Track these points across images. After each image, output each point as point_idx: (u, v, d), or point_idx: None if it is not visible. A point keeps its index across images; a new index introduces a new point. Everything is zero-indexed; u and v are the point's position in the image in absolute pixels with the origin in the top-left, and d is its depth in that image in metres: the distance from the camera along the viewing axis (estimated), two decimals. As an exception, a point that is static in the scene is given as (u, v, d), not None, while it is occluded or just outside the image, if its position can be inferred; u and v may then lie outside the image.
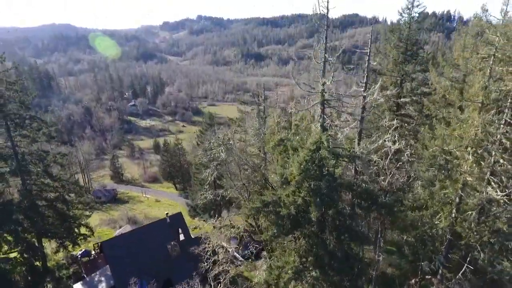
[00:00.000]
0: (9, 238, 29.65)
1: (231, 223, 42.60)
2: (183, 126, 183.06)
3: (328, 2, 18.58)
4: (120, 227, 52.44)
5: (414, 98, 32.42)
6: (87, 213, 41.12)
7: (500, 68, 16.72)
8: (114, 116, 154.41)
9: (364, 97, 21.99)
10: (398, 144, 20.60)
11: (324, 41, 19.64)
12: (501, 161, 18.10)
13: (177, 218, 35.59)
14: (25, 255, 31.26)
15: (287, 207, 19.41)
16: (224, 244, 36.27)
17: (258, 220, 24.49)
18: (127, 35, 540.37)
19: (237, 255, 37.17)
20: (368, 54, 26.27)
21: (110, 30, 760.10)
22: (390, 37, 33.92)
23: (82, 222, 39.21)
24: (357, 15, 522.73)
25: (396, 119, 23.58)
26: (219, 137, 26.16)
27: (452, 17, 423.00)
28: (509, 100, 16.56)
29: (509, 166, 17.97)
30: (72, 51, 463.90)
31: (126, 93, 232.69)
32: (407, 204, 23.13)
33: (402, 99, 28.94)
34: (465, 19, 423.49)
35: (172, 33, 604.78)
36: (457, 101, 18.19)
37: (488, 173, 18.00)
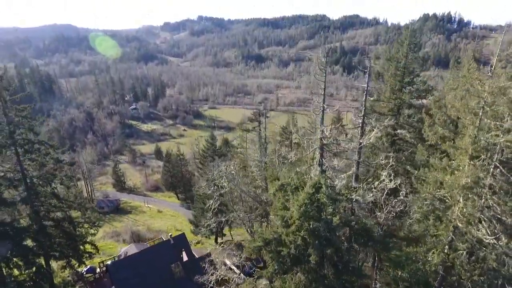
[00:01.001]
0: (20, 263, 30.69)
1: (232, 238, 43.57)
2: (184, 130, 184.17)
3: (326, 59, 19.49)
4: (124, 241, 53.58)
5: (410, 124, 33.64)
6: (93, 231, 42.14)
7: (489, 121, 17.71)
8: (116, 120, 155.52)
9: (360, 144, 22.97)
10: (394, 183, 21.61)
11: (323, 92, 20.56)
12: (491, 203, 19.13)
13: (181, 239, 36.63)
14: (34, 277, 32.32)
15: (287, 246, 20.47)
16: (227, 261, 37.40)
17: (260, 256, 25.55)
18: (128, 36, 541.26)
19: (236, 270, 38.23)
20: (365, 90, 27.22)
21: (110, 30, 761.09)
22: (387, 65, 34.86)
23: (88, 240, 40.36)
24: (357, 16, 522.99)
25: (392, 156, 24.53)
26: (221, 170, 27.13)
27: (453, 18, 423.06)
28: (497, 152, 17.55)
29: (498, 210, 19.00)
30: (73, 52, 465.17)
31: (127, 96, 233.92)
32: (402, 236, 24.15)
33: (399, 131, 29.92)
34: (465, 21, 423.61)
35: (173, 33, 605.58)
36: (448, 149, 19.17)
37: (479, 217, 19.01)
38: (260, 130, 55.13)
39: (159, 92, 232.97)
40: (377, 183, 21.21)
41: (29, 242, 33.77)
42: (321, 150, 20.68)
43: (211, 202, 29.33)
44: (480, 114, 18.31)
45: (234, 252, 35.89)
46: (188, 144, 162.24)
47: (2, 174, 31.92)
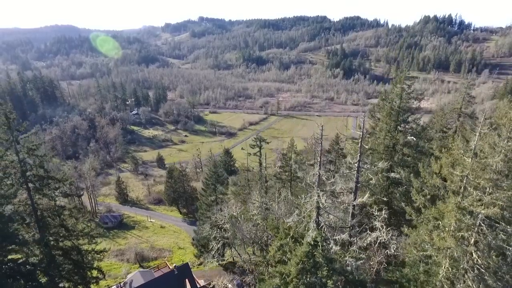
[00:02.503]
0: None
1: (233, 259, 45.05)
2: (185, 136, 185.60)
3: (322, 135, 20.88)
4: (128, 261, 55.13)
5: (405, 162, 35.08)
6: (99, 256, 43.64)
7: (472, 190, 19.15)
8: (118, 127, 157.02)
9: (354, 206, 24.36)
10: (386, 237, 23.01)
11: (319, 159, 21.94)
12: (476, 260, 20.58)
13: (184, 269, 38.13)
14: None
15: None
16: (229, 286, 38.93)
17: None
18: (129, 38, 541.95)
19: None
20: (360, 136, 28.58)
21: (112, 31, 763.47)
22: (383, 105, 36.19)
23: (95, 266, 41.92)
24: (358, 17, 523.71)
25: (385, 208, 25.92)
26: (225, 215, 28.53)
27: (454, 20, 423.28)
28: (478, 224, 19.00)
29: (483, 271, 20.46)
30: (74, 53, 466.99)
31: (129, 100, 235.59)
32: (394, 279, 25.59)
33: (392, 174, 31.31)
34: (466, 23, 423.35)
35: (174, 35, 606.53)
36: (434, 213, 20.57)
37: (462, 275, 20.46)
38: (260, 155, 56.67)
39: (160, 97, 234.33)
40: (369, 238, 22.62)
41: (39, 276, 35.35)
42: (317, 210, 22.11)
43: (213, 244, 30.73)
44: (464, 182, 19.74)
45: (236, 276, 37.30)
46: (190, 150, 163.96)
47: (14, 210, 33.51)
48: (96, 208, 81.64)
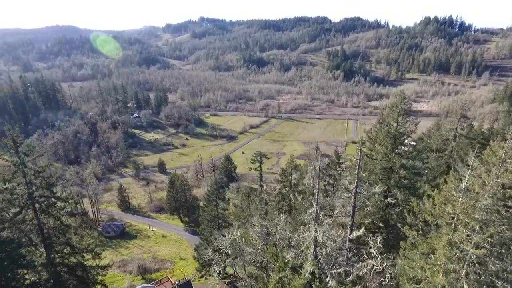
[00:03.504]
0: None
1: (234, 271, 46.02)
2: (186, 139, 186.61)
3: (319, 173, 21.75)
4: (130, 273, 56.18)
5: (401, 184, 36.01)
6: (104, 271, 44.67)
7: (462, 229, 20.06)
8: (119, 132, 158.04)
9: (350, 239, 25.28)
10: (381, 265, 23.93)
11: (316, 198, 22.83)
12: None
13: (186, 286, 39.13)
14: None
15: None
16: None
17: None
18: (130, 39, 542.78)
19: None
20: (358, 164, 29.49)
21: (112, 31, 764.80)
22: (380, 128, 37.06)
23: (99, 281, 42.99)
24: (359, 18, 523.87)
25: (381, 232, 26.82)
26: (226, 241, 29.50)
27: (454, 22, 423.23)
28: (469, 258, 19.90)
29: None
30: (75, 55, 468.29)
31: (130, 103, 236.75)
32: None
33: (388, 199, 32.22)
34: (467, 24, 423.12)
35: (175, 35, 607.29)
36: (426, 248, 21.49)
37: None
38: (261, 169, 57.58)
39: (161, 100, 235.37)
40: (365, 269, 23.54)
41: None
42: (314, 243, 23.04)
43: (215, 267, 31.80)
44: (455, 220, 20.66)
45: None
46: (191, 154, 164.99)
47: (22, 230, 34.52)
48: (99, 216, 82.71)
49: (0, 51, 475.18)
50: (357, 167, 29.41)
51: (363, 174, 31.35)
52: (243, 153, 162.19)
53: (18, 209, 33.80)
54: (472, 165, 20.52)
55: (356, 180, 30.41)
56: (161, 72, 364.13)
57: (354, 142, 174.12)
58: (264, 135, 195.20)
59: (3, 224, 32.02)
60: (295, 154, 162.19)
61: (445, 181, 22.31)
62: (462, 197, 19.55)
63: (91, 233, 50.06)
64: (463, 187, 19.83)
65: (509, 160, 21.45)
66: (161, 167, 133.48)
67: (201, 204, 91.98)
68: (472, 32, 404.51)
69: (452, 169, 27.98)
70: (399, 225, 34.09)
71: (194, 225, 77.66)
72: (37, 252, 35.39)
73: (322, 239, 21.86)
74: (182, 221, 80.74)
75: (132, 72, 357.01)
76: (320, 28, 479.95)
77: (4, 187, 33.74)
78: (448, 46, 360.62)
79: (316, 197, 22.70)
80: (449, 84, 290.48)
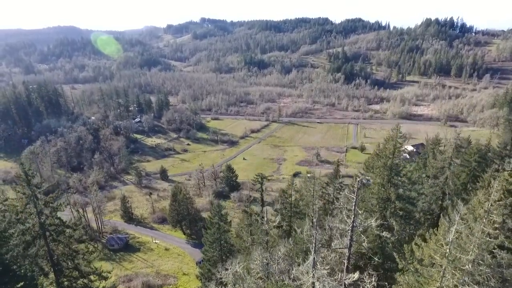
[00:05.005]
0: None
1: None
2: (188, 144, 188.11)
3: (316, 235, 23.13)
4: (135, 288, 57.71)
5: (397, 215, 37.48)
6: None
7: (450, 278, 21.50)
8: (121, 139, 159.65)
9: (345, 285, 26.70)
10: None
11: (314, 247, 24.20)
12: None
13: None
14: None
15: None
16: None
17: None
18: (132, 40, 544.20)
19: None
20: (354, 204, 30.87)
21: (114, 31, 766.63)
22: (377, 159, 38.47)
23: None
24: (360, 19, 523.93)
25: (374, 275, 28.25)
26: (229, 275, 30.98)
27: (455, 23, 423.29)
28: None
29: None
30: (77, 56, 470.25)
31: (132, 106, 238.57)
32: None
33: (384, 233, 33.64)
34: (468, 26, 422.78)
35: (176, 36, 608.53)
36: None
37: None
38: (262, 190, 59.05)
39: (163, 104, 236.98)
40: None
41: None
42: (312, 285, 24.49)
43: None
44: (443, 268, 22.10)
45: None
46: (192, 160, 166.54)
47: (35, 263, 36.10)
48: (102, 227, 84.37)
49: (2, 52, 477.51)
50: (353, 204, 30.80)
51: (360, 212, 32.73)
52: (244, 159, 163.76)
53: (30, 239, 35.44)
54: (459, 217, 21.93)
55: (353, 216, 31.86)
56: (162, 74, 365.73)
57: (354, 148, 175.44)
58: (265, 140, 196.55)
59: (17, 259, 33.53)
60: (296, 160, 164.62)
61: (434, 233, 23.72)
62: (449, 249, 20.97)
63: (98, 255, 51.75)
64: (450, 239, 21.25)
65: (495, 212, 22.85)
66: (163, 174, 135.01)
67: (203, 215, 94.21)
68: (473, 34, 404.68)
69: (443, 215, 29.34)
70: (394, 254, 35.64)
71: (196, 238, 79.32)
72: (47, 278, 36.89)
73: (319, 286, 23.30)
74: (184, 233, 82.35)
75: (134, 74, 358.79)
76: (321, 30, 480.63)
77: (17, 218, 35.35)
78: (449, 48, 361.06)
79: (314, 246, 24.12)
80: (449, 87, 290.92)
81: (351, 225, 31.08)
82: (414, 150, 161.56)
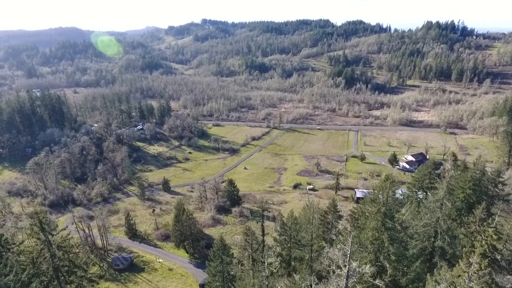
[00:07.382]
0: None
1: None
2: (189, 152, 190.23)
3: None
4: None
5: (390, 259, 39.57)
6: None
7: None
8: (124, 149, 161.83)
9: None
10: None
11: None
12: None
13: None
14: None
15: None
16: None
17: None
18: (133, 42, 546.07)
19: None
20: (348, 254, 32.96)
21: (115, 32, 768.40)
22: (371, 206, 40.56)
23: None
24: (361, 21, 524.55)
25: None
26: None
27: (456, 27, 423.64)
28: None
29: None
30: (79, 59, 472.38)
31: (134, 112, 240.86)
32: None
33: (377, 281, 35.77)
34: (468, 29, 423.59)
35: (177, 38, 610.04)
36: None
37: None
38: (263, 220, 61.19)
39: (164, 110, 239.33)
40: None
41: None
42: None
43: None
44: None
45: None
46: (194, 169, 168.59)
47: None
48: (107, 245, 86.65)
49: (4, 55, 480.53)
50: (348, 257, 32.90)
51: (354, 264, 34.77)
52: (245, 168, 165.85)
53: (45, 280, 37.72)
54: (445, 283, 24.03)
55: (348, 266, 33.98)
56: (164, 78, 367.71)
57: (354, 157, 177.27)
58: (265, 148, 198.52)
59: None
60: (296, 170, 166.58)
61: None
62: None
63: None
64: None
65: (475, 281, 24.98)
66: (166, 186, 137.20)
67: (205, 231, 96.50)
68: (474, 37, 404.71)
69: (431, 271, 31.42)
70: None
71: (199, 257, 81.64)
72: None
73: None
74: (187, 252, 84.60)
75: (135, 78, 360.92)
76: (322, 32, 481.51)
77: (32, 262, 37.61)
78: (450, 52, 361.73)
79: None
80: (450, 92, 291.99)
81: (346, 274, 33.22)
82: (414, 160, 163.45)
